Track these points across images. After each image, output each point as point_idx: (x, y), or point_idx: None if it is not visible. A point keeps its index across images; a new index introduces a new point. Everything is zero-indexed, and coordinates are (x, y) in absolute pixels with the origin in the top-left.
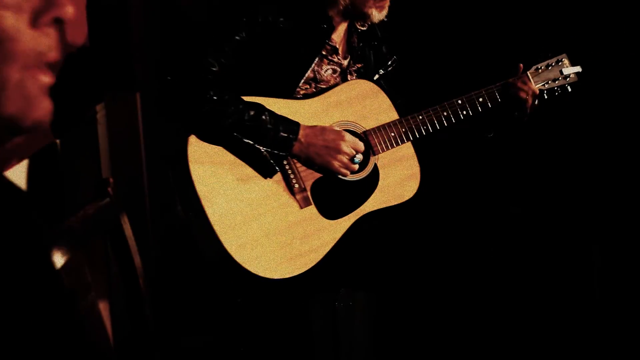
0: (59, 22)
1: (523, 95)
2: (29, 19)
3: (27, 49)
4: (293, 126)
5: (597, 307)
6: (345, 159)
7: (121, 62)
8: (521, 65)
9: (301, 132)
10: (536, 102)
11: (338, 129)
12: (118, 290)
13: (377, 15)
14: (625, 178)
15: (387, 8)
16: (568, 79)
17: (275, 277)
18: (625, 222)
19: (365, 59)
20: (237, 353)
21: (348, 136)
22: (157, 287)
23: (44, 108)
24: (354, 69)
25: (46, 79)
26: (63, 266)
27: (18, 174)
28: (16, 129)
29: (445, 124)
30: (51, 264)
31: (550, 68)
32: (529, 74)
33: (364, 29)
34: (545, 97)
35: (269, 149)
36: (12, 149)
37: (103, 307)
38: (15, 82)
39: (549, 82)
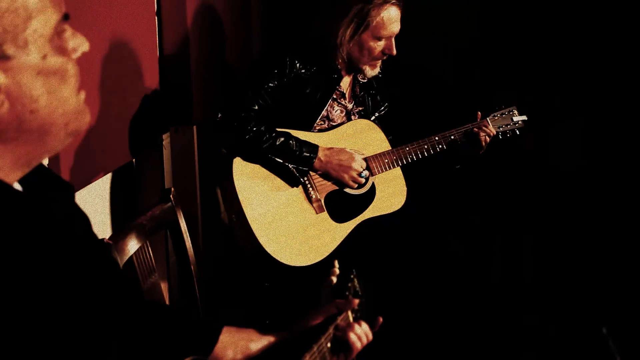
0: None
1: (483, 135)
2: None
3: (76, 78)
4: (313, 147)
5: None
6: (355, 174)
7: (183, 103)
8: (479, 113)
9: (320, 152)
10: (489, 137)
11: (350, 151)
12: (175, 273)
13: (370, 72)
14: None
15: (378, 67)
16: (517, 125)
17: (296, 265)
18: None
19: (364, 104)
20: (263, 324)
21: (358, 158)
22: (204, 272)
23: (89, 115)
24: (356, 111)
25: (83, 94)
26: (135, 252)
27: (104, 184)
28: (74, 136)
29: (426, 154)
30: (127, 250)
31: (504, 116)
32: (488, 120)
33: (365, 81)
34: (500, 137)
35: (295, 165)
36: (100, 165)
37: (163, 286)
38: (75, 106)
39: (503, 126)
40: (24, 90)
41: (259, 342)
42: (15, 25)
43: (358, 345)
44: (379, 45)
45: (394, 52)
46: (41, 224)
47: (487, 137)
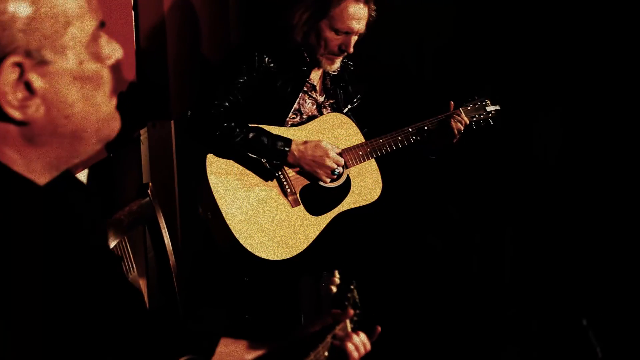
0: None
1: (457, 124)
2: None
3: (111, 86)
4: (287, 141)
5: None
6: (328, 170)
7: (160, 98)
8: (452, 103)
9: (294, 146)
10: (462, 125)
11: (325, 145)
12: (153, 269)
13: (328, 67)
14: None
15: (337, 63)
16: (490, 115)
17: (273, 259)
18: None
19: (336, 97)
20: (243, 320)
21: (332, 153)
22: (183, 267)
23: (120, 120)
24: (327, 103)
25: (115, 100)
26: (113, 248)
27: (82, 179)
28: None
29: (400, 146)
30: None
31: (477, 106)
32: (461, 110)
33: (335, 73)
34: (474, 127)
35: (268, 159)
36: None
37: (141, 282)
38: (108, 112)
39: (476, 116)
40: (60, 95)
41: (255, 353)
42: (55, 31)
43: (355, 355)
44: (336, 38)
45: (351, 49)
46: (61, 224)
47: (460, 126)
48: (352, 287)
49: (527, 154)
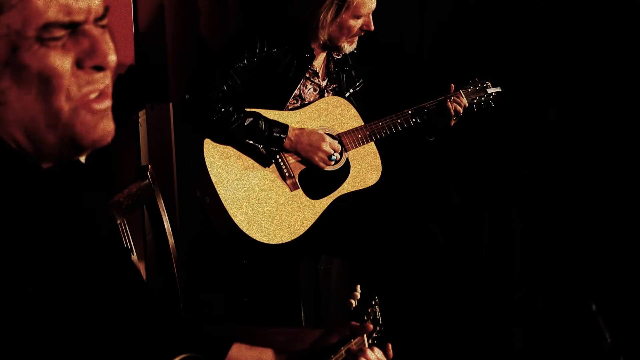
0: (100, 69)
1: (457, 106)
2: (74, 60)
3: (72, 83)
4: (283, 127)
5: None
6: (324, 156)
7: (159, 80)
8: (452, 85)
9: (290, 132)
10: (460, 107)
11: (321, 132)
12: (152, 251)
13: (348, 48)
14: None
15: (356, 43)
16: (491, 97)
17: (272, 243)
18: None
19: (339, 81)
20: (242, 303)
21: (328, 139)
22: (182, 250)
23: (101, 131)
24: (330, 88)
25: (98, 105)
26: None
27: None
28: (80, 148)
29: (400, 129)
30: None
31: (478, 88)
32: (461, 92)
33: (339, 57)
34: (475, 109)
35: (265, 145)
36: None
37: (140, 265)
38: (67, 111)
39: (477, 98)
40: None
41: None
42: None
43: None
44: (358, 23)
45: (372, 27)
46: (67, 208)
47: (458, 107)
48: (374, 302)
49: (533, 132)
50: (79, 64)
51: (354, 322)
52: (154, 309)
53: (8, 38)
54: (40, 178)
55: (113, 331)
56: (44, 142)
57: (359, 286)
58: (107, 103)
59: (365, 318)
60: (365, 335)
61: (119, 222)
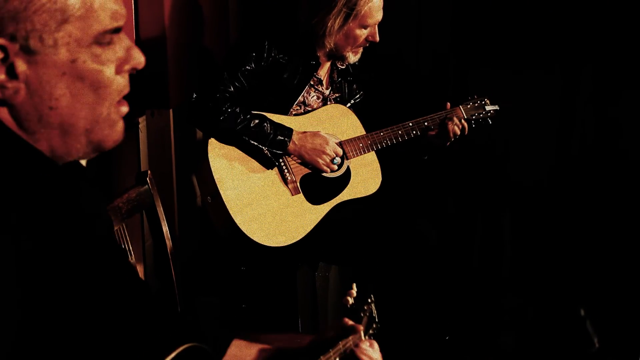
0: (132, 72)
1: (456, 121)
2: (115, 68)
3: (114, 91)
4: (288, 131)
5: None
6: (327, 159)
7: (159, 86)
8: (448, 103)
9: (294, 135)
10: (458, 129)
11: (324, 134)
12: (151, 257)
13: (353, 58)
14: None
15: (360, 54)
16: (489, 114)
17: (271, 245)
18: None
19: (341, 91)
20: (239, 309)
21: (331, 142)
22: (181, 255)
23: (120, 132)
24: (332, 97)
25: (125, 108)
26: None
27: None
28: (101, 149)
29: (400, 140)
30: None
31: (476, 105)
32: (461, 107)
33: (342, 67)
34: (473, 125)
35: (269, 148)
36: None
37: (139, 269)
38: (104, 116)
39: (475, 114)
40: (44, 86)
41: (267, 356)
42: (45, 24)
43: None
44: (364, 33)
45: (377, 39)
46: (73, 208)
47: (456, 128)
48: (369, 300)
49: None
50: (117, 70)
51: (350, 320)
52: (154, 305)
53: (68, 47)
54: (56, 175)
55: (112, 326)
56: (75, 145)
57: (355, 284)
58: (127, 107)
59: (362, 315)
60: (362, 331)
61: (116, 228)
